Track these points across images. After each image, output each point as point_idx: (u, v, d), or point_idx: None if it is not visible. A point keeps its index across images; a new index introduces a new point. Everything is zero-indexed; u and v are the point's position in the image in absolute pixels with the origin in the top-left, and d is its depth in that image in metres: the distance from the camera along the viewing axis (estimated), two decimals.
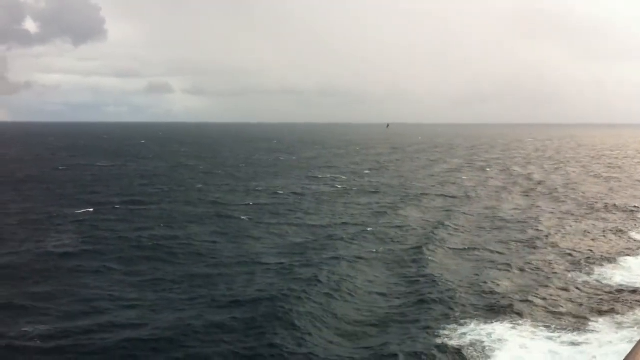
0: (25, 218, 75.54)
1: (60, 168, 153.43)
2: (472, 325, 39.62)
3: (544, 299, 45.57)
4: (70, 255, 56.78)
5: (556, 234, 69.03)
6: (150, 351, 35.40)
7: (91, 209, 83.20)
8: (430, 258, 57.44)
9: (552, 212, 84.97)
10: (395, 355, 35.07)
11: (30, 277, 49.57)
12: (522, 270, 53.90)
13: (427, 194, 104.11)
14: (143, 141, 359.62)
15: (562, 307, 43.84)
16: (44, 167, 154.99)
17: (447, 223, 75.03)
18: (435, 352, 35.43)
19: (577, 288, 48.32)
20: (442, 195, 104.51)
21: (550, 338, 37.73)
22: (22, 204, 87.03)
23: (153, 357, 34.69)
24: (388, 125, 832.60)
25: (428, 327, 39.52)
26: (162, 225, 72.76)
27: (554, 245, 63.22)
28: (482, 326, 39.47)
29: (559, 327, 39.55)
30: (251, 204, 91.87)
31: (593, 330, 39.00)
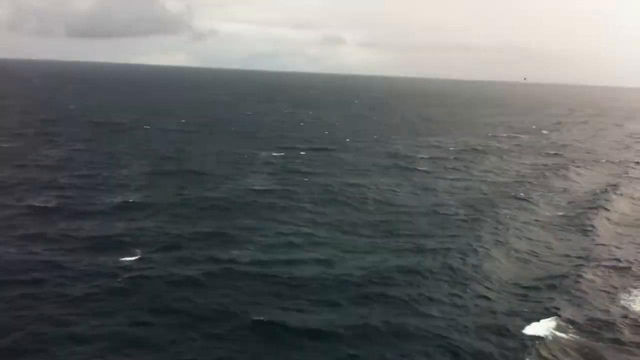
0: (223, 159, 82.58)
1: (248, 113, 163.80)
2: None
3: None
4: (266, 193, 62.04)
5: None
6: (339, 285, 38.29)
7: (281, 153, 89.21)
8: (608, 226, 56.31)
9: None
10: (573, 316, 35.59)
11: (234, 210, 55.07)
12: None
13: (612, 161, 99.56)
14: (318, 91, 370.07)
15: None
16: (233, 111, 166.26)
17: (631, 192, 72.09)
18: (616, 315, 35.53)
19: None
20: (626, 161, 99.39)
21: None
22: (217, 146, 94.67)
23: (341, 294, 37.34)
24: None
25: (608, 292, 39.41)
26: (346, 172, 76.67)
27: None
28: None
29: None
30: (427, 157, 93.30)
31: None
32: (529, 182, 75.16)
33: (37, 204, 53.19)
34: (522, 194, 67.19)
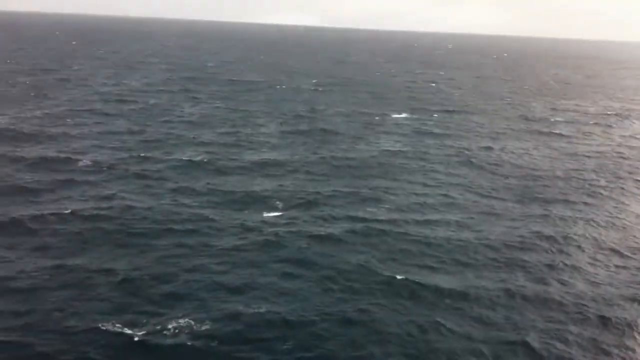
0: (355, 119, 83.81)
1: (378, 73, 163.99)
2: None
3: None
4: (399, 154, 62.78)
5: None
6: (475, 247, 38.49)
7: (413, 115, 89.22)
8: None
9: None
10: None
11: (368, 169, 56.29)
12: None
13: None
14: (447, 51, 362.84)
15: None
16: (362, 71, 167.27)
17: None
18: None
19: None
20: None
21: None
22: (349, 106, 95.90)
23: (477, 255, 37.56)
24: None
25: None
26: (479, 135, 75.71)
27: None
28: None
29: None
30: (564, 121, 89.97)
31: None
32: None
33: (185, 158, 56.78)
34: None
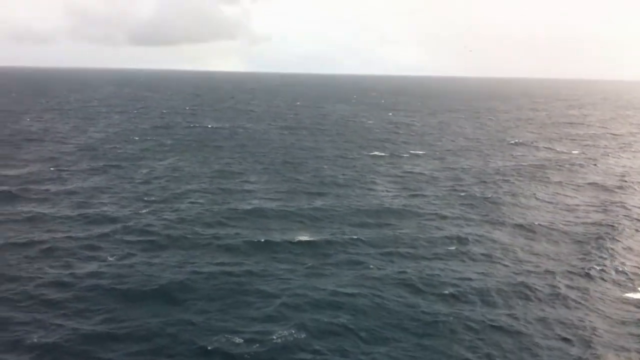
0: (339, 163, 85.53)
1: (334, 116, 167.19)
2: None
3: None
4: (397, 197, 64.84)
5: None
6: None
7: (387, 154, 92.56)
8: None
9: None
10: None
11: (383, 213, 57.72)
12: None
13: None
14: (375, 93, 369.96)
15: None
16: (319, 114, 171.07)
17: None
18: None
19: None
20: None
21: None
22: (330, 150, 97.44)
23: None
24: None
25: None
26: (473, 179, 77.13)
27: None
28: None
29: None
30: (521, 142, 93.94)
31: None
32: None
33: (190, 209, 56.59)
34: None
